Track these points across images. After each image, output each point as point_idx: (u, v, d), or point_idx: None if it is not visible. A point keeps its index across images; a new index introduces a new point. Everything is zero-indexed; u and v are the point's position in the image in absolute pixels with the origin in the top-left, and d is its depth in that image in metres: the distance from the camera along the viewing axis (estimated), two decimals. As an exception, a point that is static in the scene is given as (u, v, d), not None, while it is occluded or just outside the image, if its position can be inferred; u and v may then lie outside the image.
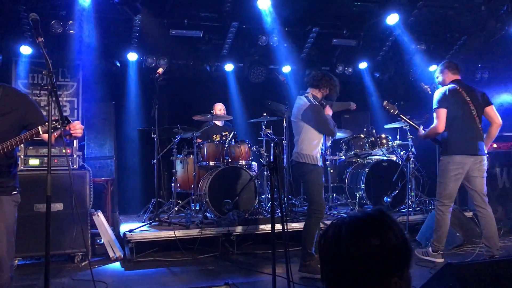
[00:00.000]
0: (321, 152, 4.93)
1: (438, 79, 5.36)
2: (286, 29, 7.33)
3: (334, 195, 7.58)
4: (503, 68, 8.18)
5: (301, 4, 6.83)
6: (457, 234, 5.79)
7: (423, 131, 5.27)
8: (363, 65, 8.36)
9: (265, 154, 6.73)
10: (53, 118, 2.93)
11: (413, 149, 6.73)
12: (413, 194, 6.83)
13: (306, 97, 4.98)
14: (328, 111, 5.04)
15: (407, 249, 1.33)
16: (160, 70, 6.04)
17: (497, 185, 6.80)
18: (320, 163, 4.87)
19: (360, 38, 7.86)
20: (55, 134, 2.93)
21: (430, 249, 5.21)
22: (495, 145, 6.84)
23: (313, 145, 4.82)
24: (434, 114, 5.06)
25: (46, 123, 2.86)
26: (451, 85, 5.12)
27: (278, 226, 4.56)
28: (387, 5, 6.55)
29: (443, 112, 5.00)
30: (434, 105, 5.08)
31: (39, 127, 2.94)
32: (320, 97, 5.03)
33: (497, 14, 6.64)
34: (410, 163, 6.63)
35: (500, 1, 6.51)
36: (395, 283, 1.28)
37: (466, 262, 2.68)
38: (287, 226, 5.00)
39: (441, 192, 5.13)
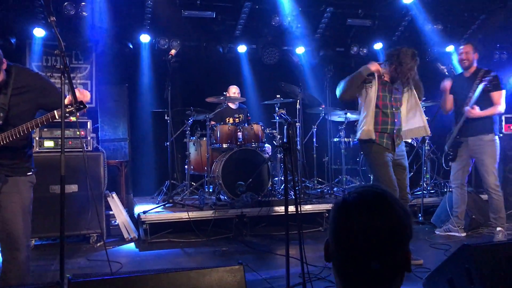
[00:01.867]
0: (387, 128, 4.48)
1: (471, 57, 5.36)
2: (300, 9, 7.21)
3: (348, 177, 7.53)
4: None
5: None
6: (473, 216, 5.72)
7: (478, 110, 5.14)
8: (378, 45, 8.21)
9: (279, 136, 6.70)
10: (68, 102, 2.93)
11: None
12: (428, 176, 6.76)
13: None
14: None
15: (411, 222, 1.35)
16: (173, 52, 6.00)
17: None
18: (378, 139, 4.45)
19: (376, 18, 7.72)
20: (71, 118, 2.94)
21: (499, 228, 5.28)
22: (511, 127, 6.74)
23: (364, 117, 4.51)
24: (498, 95, 5.14)
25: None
26: None
27: (291, 208, 4.58)
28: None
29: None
30: (501, 86, 5.15)
31: (55, 112, 2.94)
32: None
33: (517, -8, 6.45)
34: (425, 145, 6.56)
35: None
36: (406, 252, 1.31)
37: (482, 244, 2.63)
38: (300, 208, 4.95)
39: (495, 171, 5.22)
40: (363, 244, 1.26)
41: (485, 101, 5.14)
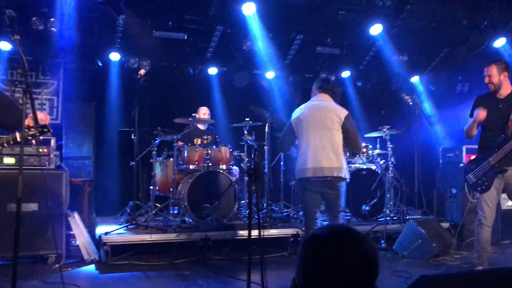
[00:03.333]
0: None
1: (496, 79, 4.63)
2: (271, 35, 7.34)
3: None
4: (483, 82, 8.30)
5: (286, 11, 6.86)
6: (434, 244, 5.83)
7: None
8: (346, 73, 8.41)
9: (246, 159, 6.70)
10: (27, 123, 2.87)
11: (392, 159, 6.78)
12: (391, 203, 6.88)
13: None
14: None
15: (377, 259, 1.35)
16: (142, 72, 5.98)
17: (475, 196, 6.87)
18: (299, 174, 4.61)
19: (344, 46, 7.93)
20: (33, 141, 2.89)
21: None
22: (472, 157, 6.94)
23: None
24: None
25: (25, 130, 2.80)
26: None
27: (256, 233, 4.55)
28: (371, 15, 6.60)
29: None
30: None
31: (17, 134, 2.89)
32: None
33: (478, 28, 6.75)
34: (389, 172, 6.69)
35: (481, 15, 6.62)
36: None
37: (441, 274, 2.69)
38: (263, 233, 4.95)
39: None
40: (332, 277, 1.27)
41: None
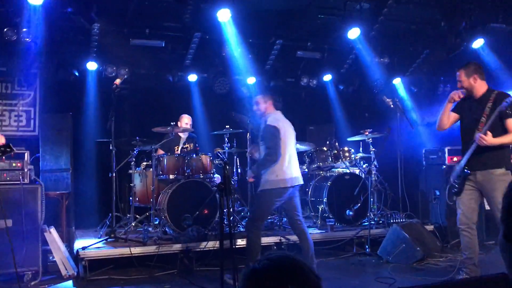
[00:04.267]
0: None
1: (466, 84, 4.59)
2: (250, 40, 7.26)
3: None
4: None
5: (264, 16, 6.79)
6: (418, 248, 5.79)
7: (491, 138, 4.29)
8: (327, 77, 8.37)
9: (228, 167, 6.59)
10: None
11: (375, 162, 6.74)
12: (375, 207, 6.83)
13: None
14: None
15: None
16: (118, 81, 5.86)
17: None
18: None
19: (325, 50, 7.89)
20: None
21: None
22: (455, 158, 6.92)
23: None
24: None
25: None
26: None
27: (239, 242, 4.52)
28: (348, 19, 6.56)
29: None
30: None
31: None
32: None
33: (456, 30, 6.74)
34: (372, 176, 6.64)
35: (459, 17, 6.61)
36: None
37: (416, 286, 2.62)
38: (235, 243, 5.16)
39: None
40: None
41: (497, 128, 4.37)
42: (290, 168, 4.96)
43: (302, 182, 5.15)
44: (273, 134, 4.87)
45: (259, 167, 4.96)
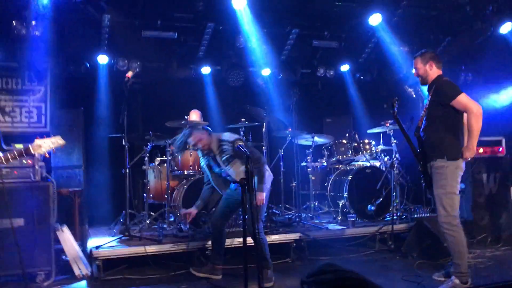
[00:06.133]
0: None
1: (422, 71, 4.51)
2: (265, 30, 7.02)
3: (316, 203, 7.27)
4: (487, 71, 7.97)
5: (279, 4, 6.54)
6: (445, 244, 5.50)
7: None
8: (345, 67, 8.11)
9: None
10: None
11: (397, 155, 6.49)
12: (397, 201, 6.57)
13: None
14: None
15: None
16: (129, 74, 5.65)
17: (484, 191, 6.55)
18: None
19: (342, 39, 7.63)
20: None
21: (457, 281, 4.25)
22: (481, 150, 6.61)
23: None
24: (458, 102, 4.20)
25: None
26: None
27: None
28: (369, 5, 6.29)
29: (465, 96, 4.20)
30: (455, 92, 4.21)
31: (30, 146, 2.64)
32: None
33: (482, 15, 6.42)
34: (395, 169, 6.39)
35: (485, 1, 6.29)
36: None
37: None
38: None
39: (453, 204, 4.28)
40: None
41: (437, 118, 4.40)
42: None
43: None
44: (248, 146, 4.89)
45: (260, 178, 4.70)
